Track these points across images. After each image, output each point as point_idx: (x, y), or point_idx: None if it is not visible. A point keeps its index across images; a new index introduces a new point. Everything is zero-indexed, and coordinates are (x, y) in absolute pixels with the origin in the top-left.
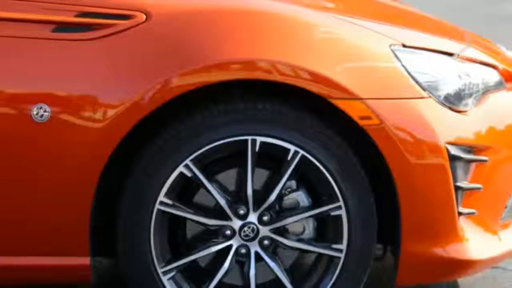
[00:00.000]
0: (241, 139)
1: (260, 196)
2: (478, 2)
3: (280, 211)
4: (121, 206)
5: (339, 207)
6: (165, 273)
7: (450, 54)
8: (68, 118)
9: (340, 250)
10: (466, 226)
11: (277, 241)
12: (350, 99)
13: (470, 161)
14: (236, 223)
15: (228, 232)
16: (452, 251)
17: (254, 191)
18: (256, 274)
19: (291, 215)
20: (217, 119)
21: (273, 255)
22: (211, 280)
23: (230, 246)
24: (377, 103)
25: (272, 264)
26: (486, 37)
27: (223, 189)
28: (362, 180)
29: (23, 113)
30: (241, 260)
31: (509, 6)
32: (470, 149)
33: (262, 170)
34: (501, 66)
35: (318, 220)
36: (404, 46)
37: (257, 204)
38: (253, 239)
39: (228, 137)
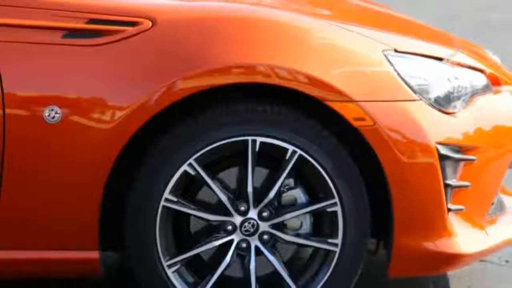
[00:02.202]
0: (241, 139)
1: (260, 193)
2: (466, 10)
3: (279, 207)
4: (128, 203)
5: (335, 204)
6: (170, 266)
7: (440, 59)
8: (78, 119)
9: (336, 245)
10: (455, 222)
11: (276, 236)
12: (345, 102)
13: (458, 160)
14: (237, 219)
15: (229, 227)
16: (442, 245)
17: (254, 188)
18: (256, 267)
19: (289, 211)
20: (219, 120)
21: (272, 249)
22: (214, 272)
23: (231, 241)
24: (370, 105)
25: (271, 257)
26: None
27: (225, 186)
28: (357, 178)
29: (35, 115)
30: (242, 254)
31: (495, 14)
32: (458, 149)
33: (262, 169)
34: (488, 70)
35: (315, 216)
36: (396, 51)
37: (257, 201)
38: (253, 234)
39: (230, 137)
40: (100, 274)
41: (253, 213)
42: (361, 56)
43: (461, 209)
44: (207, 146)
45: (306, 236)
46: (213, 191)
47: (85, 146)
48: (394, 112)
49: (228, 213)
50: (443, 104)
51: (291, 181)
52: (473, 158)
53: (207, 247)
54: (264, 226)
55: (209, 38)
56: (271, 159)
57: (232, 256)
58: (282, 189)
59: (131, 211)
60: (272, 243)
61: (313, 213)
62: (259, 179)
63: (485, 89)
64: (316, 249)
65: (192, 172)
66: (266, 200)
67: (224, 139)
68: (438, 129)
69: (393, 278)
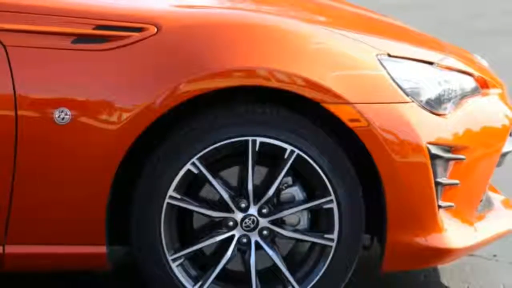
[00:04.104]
0: (242, 140)
1: (260, 190)
2: (465, 16)
3: (277, 204)
4: (134, 200)
5: (331, 201)
6: (174, 260)
7: (431, 63)
8: (86, 120)
9: (332, 240)
10: (445, 218)
11: (275, 231)
12: (341, 104)
13: (449, 159)
14: (238, 215)
15: (230, 223)
16: (433, 240)
17: (254, 186)
18: (256, 261)
19: (288, 208)
20: (221, 121)
21: (272, 244)
22: (216, 266)
23: (232, 236)
24: (365, 107)
25: (270, 252)
26: (470, 49)
27: (226, 184)
28: (352, 177)
29: (46, 116)
30: (243, 249)
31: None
32: (449, 148)
33: (262, 168)
34: (476, 73)
35: (312, 213)
36: (389, 55)
37: (257, 198)
38: (253, 229)
39: (231, 137)
40: (108, 267)
41: (253, 210)
42: (356, 60)
43: (451, 206)
44: (209, 146)
45: (304, 232)
46: (215, 189)
47: (93, 146)
48: (387, 113)
49: (230, 210)
50: (434, 106)
51: (289, 179)
52: (463, 157)
53: (209, 242)
54: (263, 222)
55: (212, 43)
56: (271, 158)
57: (233, 251)
58: (280, 186)
59: (137, 208)
60: (272, 238)
61: (310, 210)
62: (259, 177)
63: (474, 92)
64: (313, 244)
65: (195, 171)
66: (265, 197)
67: (225, 139)
68: (429, 129)
69: (386, 272)
